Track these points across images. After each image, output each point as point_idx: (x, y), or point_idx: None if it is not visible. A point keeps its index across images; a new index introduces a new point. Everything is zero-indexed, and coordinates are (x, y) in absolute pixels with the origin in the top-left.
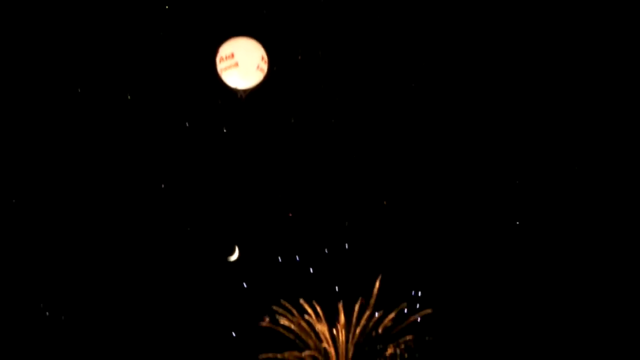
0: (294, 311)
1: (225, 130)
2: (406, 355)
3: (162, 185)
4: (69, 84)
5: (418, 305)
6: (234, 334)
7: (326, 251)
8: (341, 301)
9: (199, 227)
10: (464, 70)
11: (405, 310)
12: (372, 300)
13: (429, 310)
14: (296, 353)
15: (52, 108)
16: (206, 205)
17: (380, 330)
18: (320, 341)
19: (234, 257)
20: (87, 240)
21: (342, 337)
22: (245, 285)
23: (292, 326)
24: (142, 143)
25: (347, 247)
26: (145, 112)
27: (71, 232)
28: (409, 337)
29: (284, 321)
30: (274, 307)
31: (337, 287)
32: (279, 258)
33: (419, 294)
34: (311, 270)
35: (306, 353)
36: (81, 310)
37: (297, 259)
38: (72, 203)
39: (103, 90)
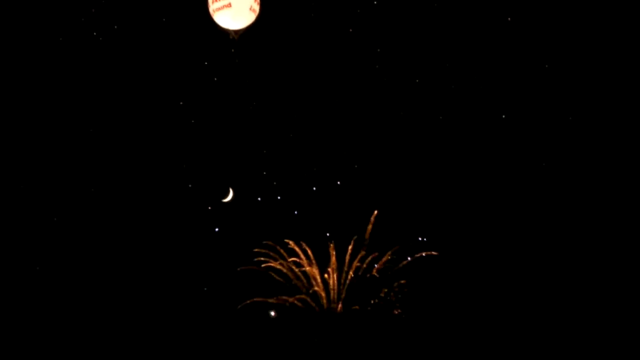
0: (284, 253)
1: (215, 79)
2: (399, 297)
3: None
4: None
5: (420, 250)
6: (218, 280)
7: (314, 189)
8: (332, 242)
9: (187, 171)
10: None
11: (409, 258)
12: (366, 241)
13: (434, 253)
14: (287, 297)
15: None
16: (196, 148)
17: (374, 273)
18: (311, 285)
19: (227, 199)
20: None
21: (333, 280)
22: (217, 229)
23: (279, 268)
24: (134, 87)
25: (339, 183)
26: (136, 54)
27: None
28: (402, 281)
29: (272, 264)
30: (261, 250)
31: (328, 228)
32: (259, 198)
33: (425, 239)
34: (295, 212)
35: (297, 297)
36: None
37: (279, 198)
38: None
39: (93, 35)
